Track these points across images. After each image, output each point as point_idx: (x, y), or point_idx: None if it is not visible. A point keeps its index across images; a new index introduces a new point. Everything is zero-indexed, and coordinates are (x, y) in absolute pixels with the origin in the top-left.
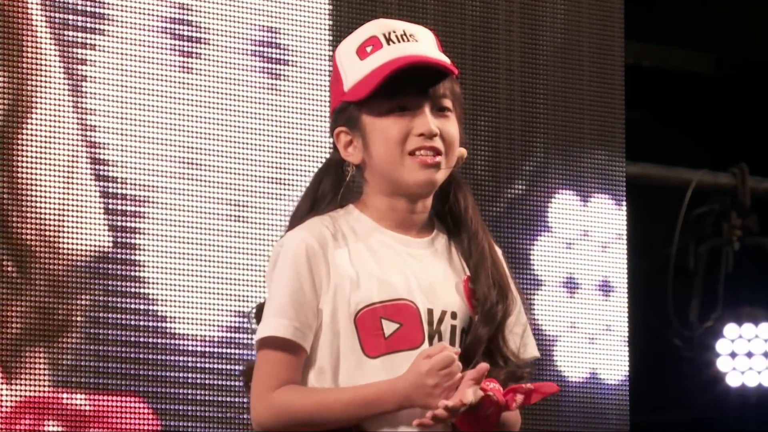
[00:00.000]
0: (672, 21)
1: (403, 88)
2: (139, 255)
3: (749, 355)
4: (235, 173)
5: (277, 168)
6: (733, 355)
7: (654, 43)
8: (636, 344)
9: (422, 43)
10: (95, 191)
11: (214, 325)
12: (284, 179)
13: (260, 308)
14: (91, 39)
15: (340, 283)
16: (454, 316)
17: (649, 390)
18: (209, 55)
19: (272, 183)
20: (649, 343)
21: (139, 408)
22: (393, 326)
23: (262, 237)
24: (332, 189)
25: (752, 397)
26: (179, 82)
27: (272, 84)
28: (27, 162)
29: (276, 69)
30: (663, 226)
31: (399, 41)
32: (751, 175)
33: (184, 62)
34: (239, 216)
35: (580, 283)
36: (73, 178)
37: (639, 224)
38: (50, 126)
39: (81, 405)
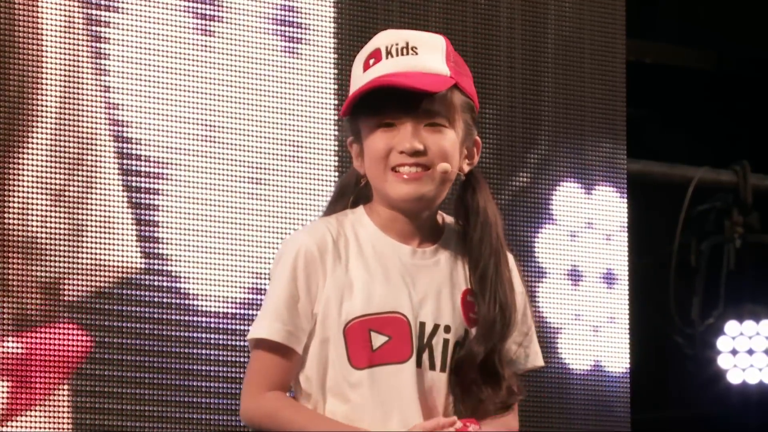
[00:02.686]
0: (674, 18)
1: (387, 105)
2: (157, 231)
3: (750, 352)
4: (250, 136)
5: (291, 131)
6: (734, 352)
7: (656, 40)
8: (637, 341)
9: (422, 56)
10: (115, 169)
11: (229, 301)
12: (298, 142)
13: None
14: (109, 16)
15: (334, 292)
16: (447, 329)
17: (650, 387)
18: (227, 32)
19: (287, 146)
20: (650, 341)
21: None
22: (382, 339)
23: (278, 199)
24: (350, 192)
25: (753, 395)
26: (197, 59)
27: (286, 47)
28: (44, 140)
29: (292, 46)
30: (665, 224)
31: (397, 54)
32: (753, 173)
33: (202, 40)
34: (255, 178)
35: (584, 273)
36: (92, 156)
37: (641, 221)
38: (70, 103)
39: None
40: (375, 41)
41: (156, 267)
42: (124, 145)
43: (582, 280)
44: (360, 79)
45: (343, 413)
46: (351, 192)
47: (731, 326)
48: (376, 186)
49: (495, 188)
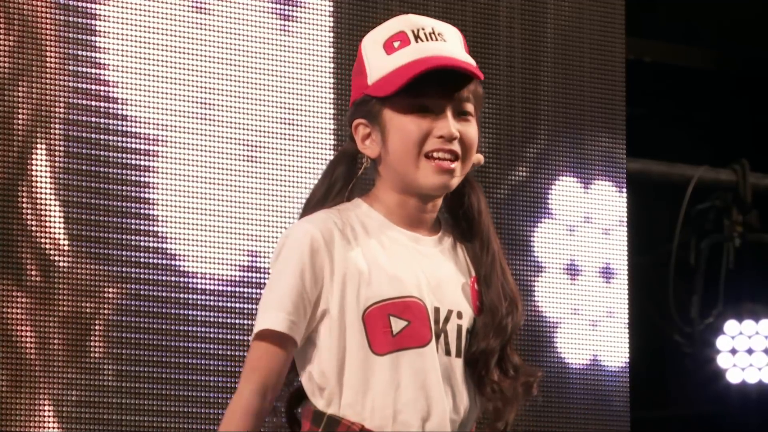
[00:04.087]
0: (673, 17)
1: (428, 88)
2: (152, 193)
3: (750, 351)
4: (246, 114)
5: (288, 109)
6: (733, 351)
7: (655, 38)
8: (637, 340)
9: (450, 43)
10: (106, 129)
11: (226, 264)
12: (295, 120)
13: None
14: None
15: (350, 279)
16: (460, 315)
17: (649, 386)
18: (221, 9)
19: (283, 124)
20: (649, 339)
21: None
22: (401, 324)
23: (274, 177)
24: (344, 179)
25: (753, 394)
26: (191, 22)
27: (283, 25)
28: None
29: (286, 10)
30: (664, 223)
31: (427, 39)
32: (752, 171)
33: (196, 17)
34: (251, 156)
35: (582, 268)
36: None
37: (640, 220)
38: (62, 64)
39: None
40: (395, 24)
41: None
42: (118, 122)
43: (580, 274)
44: (388, 60)
45: (361, 404)
46: (344, 182)
47: (730, 325)
48: (401, 170)
49: (493, 183)
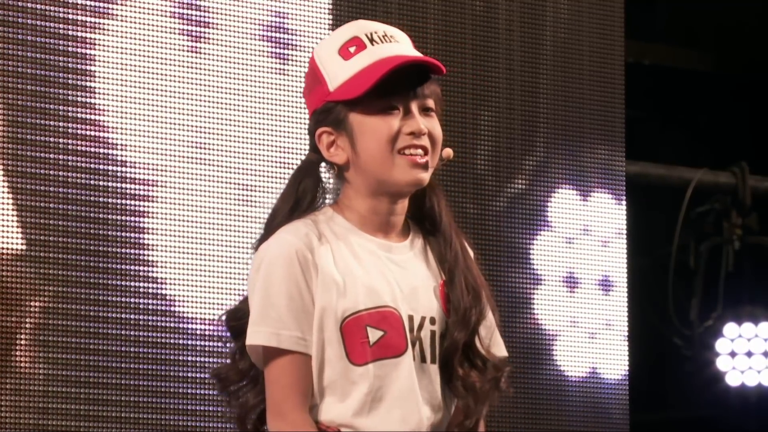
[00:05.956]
0: (673, 19)
1: (393, 88)
2: (147, 239)
3: (749, 354)
4: (242, 156)
5: (283, 152)
6: (732, 354)
7: (654, 41)
8: (636, 343)
9: (402, 44)
10: (103, 175)
11: (221, 308)
12: (291, 163)
13: (233, 314)
14: (98, 23)
15: (327, 290)
16: (432, 321)
17: (648, 389)
18: (217, 39)
19: (280, 167)
20: (649, 342)
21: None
22: (378, 334)
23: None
24: (312, 190)
25: (752, 397)
26: (187, 66)
27: (280, 68)
28: (32, 147)
29: (284, 53)
30: (663, 225)
31: (381, 42)
32: (752, 174)
33: (192, 46)
34: (247, 199)
35: (581, 279)
36: (80, 163)
37: (639, 223)
38: (58, 110)
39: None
40: (346, 31)
41: (142, 273)
42: (113, 151)
43: (578, 286)
44: (348, 65)
45: (341, 412)
46: (313, 195)
47: (730, 328)
48: (376, 170)
49: (491, 194)
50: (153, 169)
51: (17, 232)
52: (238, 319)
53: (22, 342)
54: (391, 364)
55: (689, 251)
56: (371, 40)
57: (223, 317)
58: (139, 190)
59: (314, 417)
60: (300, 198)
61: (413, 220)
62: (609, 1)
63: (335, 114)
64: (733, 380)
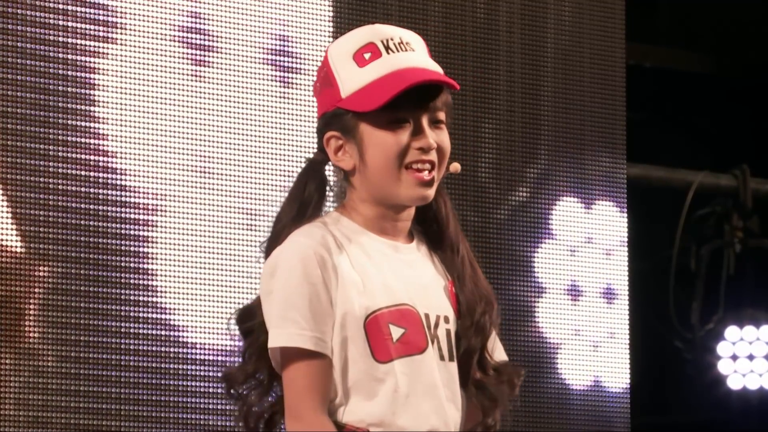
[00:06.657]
0: (673, 21)
1: (405, 101)
2: (150, 263)
3: (750, 357)
4: (246, 181)
5: (288, 177)
6: (734, 357)
7: (655, 44)
8: (637, 346)
9: (418, 52)
10: (106, 199)
11: (224, 334)
12: None
13: (244, 314)
14: (102, 47)
15: (347, 290)
16: (446, 320)
17: (650, 392)
18: (219, 63)
19: (284, 192)
20: (650, 346)
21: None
22: (399, 331)
23: None
24: (318, 191)
25: (754, 400)
26: (190, 90)
27: (283, 92)
28: (33, 173)
29: (286, 77)
30: (664, 228)
31: (397, 50)
32: (753, 177)
33: (194, 71)
34: (251, 224)
35: (584, 289)
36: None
37: (640, 226)
38: (62, 134)
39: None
40: (362, 35)
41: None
42: (114, 175)
43: (581, 296)
44: (361, 73)
45: (370, 411)
46: (320, 197)
47: (731, 331)
48: (381, 183)
49: (494, 204)
50: (154, 195)
51: (19, 257)
52: (248, 319)
53: (25, 347)
54: (415, 361)
55: (690, 254)
56: (387, 48)
57: (234, 317)
58: (141, 214)
59: (341, 418)
60: (306, 201)
61: (418, 225)
62: (610, 3)
63: (345, 121)
64: (734, 383)
